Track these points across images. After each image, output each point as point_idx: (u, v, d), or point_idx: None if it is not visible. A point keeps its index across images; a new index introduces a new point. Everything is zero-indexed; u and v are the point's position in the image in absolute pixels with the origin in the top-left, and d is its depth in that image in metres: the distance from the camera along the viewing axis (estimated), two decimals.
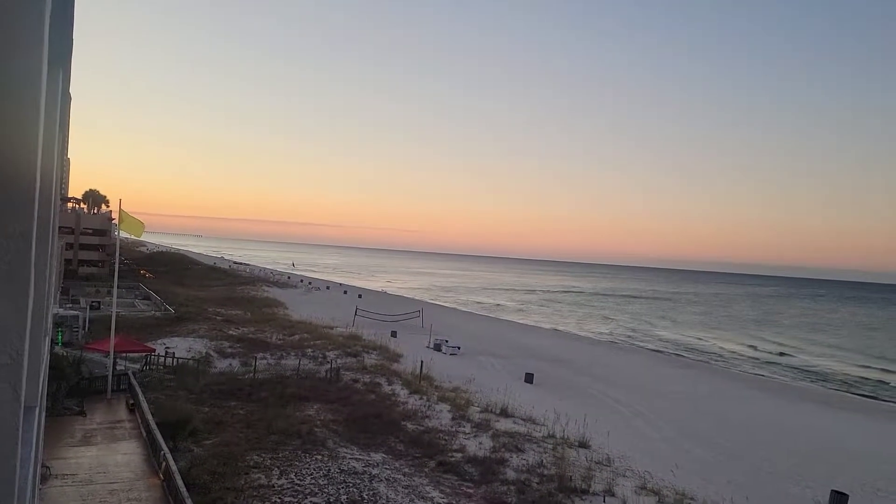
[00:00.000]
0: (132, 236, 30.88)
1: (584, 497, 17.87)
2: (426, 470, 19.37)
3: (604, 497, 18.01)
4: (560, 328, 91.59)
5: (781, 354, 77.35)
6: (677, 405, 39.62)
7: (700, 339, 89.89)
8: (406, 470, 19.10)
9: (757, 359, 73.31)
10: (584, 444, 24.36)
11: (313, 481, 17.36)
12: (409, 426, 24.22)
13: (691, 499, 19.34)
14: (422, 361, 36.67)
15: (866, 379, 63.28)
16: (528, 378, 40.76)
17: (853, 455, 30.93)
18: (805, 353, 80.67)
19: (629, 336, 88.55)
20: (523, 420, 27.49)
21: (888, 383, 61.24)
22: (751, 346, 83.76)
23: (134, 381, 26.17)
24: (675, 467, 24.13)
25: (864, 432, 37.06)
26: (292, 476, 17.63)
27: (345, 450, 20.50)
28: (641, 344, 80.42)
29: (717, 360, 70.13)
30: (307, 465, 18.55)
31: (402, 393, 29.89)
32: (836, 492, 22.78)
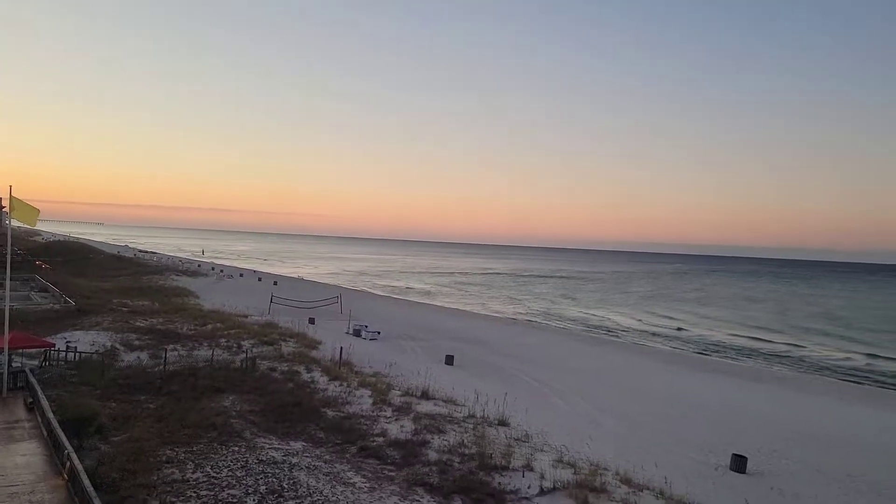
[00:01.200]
0: (25, 225, 28.71)
1: (504, 473, 18.24)
2: (347, 456, 19.25)
3: (523, 472, 18.45)
4: (477, 309, 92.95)
5: (679, 329, 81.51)
6: (590, 380, 41.06)
7: (606, 316, 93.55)
8: (327, 457, 18.90)
9: (658, 333, 76.98)
10: (503, 423, 24.85)
11: (230, 473, 16.90)
12: (330, 413, 23.96)
13: (605, 468, 20.11)
14: (341, 348, 36.32)
15: (755, 349, 67.65)
16: (448, 360, 41.15)
17: (751, 420, 33.06)
18: (698, 326, 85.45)
19: (542, 315, 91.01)
20: (444, 402, 27.75)
21: (761, 350, 65.73)
22: (651, 322, 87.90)
23: (32, 379, 24.60)
24: (589, 440, 25.03)
25: (760, 399, 39.63)
26: (208, 469, 17.10)
27: (263, 440, 20.06)
28: (554, 323, 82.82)
29: (623, 336, 73.15)
30: (224, 458, 18.03)
31: (322, 380, 29.51)
32: (737, 455, 24.29)
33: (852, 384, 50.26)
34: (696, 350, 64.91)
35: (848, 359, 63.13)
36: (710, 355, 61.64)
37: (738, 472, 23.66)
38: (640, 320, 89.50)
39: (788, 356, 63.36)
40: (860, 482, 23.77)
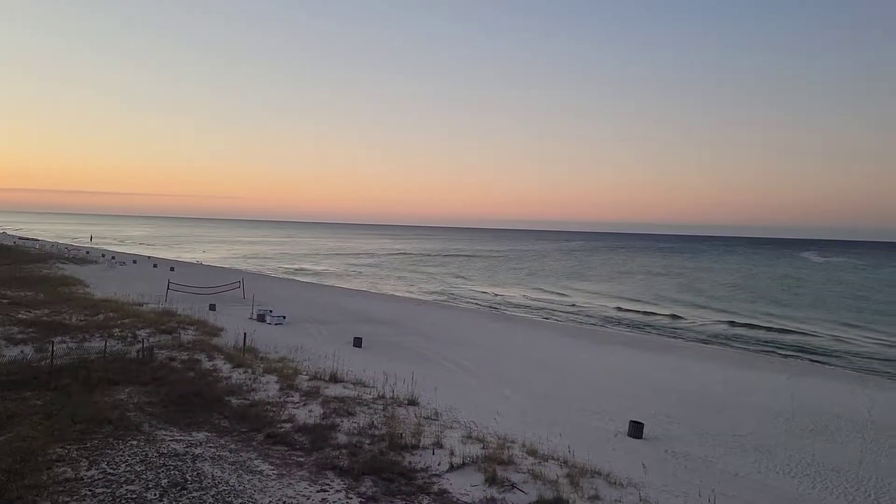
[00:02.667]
0: None
1: (414, 452, 18.37)
2: (254, 444, 18.77)
3: (433, 450, 18.65)
4: (385, 290, 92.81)
5: (588, 303, 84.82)
6: (498, 356, 41.99)
7: (508, 292, 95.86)
8: (232, 446, 18.36)
9: (556, 308, 79.73)
10: (413, 402, 24.98)
11: (129, 468, 16.09)
12: (234, 401, 23.25)
13: (512, 441, 20.66)
14: (245, 333, 35.26)
15: (646, 321, 71.45)
16: (357, 342, 40.89)
17: (647, 388, 34.92)
18: (595, 299, 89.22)
19: (452, 294, 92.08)
20: (353, 384, 27.56)
21: (652, 321, 69.71)
22: (549, 297, 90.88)
23: None
24: (497, 415, 25.62)
25: (655, 367, 41.89)
26: (104, 466, 16.20)
27: (163, 432, 19.21)
28: (464, 301, 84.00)
29: (526, 311, 75.27)
30: (121, 453, 17.14)
31: (225, 368, 28.57)
32: (634, 421, 25.62)
33: (736, 350, 54.00)
34: (594, 323, 67.69)
35: (728, 327, 67.74)
36: (608, 327, 64.44)
37: (635, 437, 24.98)
38: (539, 295, 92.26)
39: (677, 326, 67.24)
40: (744, 440, 25.66)
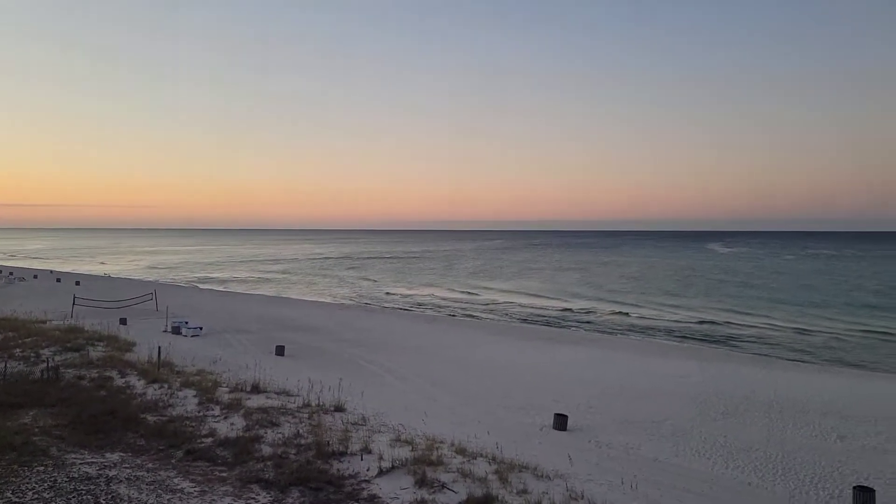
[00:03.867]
0: None
1: (342, 459, 18.12)
2: (173, 461, 18.01)
3: (361, 455, 18.45)
4: (307, 296, 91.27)
5: (506, 301, 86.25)
6: (424, 357, 42.03)
7: (433, 293, 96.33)
8: (150, 465, 17.54)
9: (483, 305, 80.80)
10: (339, 408, 24.65)
11: (36, 496, 15.10)
12: (150, 418, 22.24)
13: (441, 441, 20.71)
14: (159, 347, 33.82)
15: (564, 316, 73.47)
16: (279, 350, 39.98)
17: (570, 381, 35.83)
18: (520, 294, 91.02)
19: (373, 297, 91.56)
20: (277, 394, 26.91)
21: (570, 316, 71.87)
22: (476, 293, 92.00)
23: None
24: (425, 416, 25.64)
25: (577, 360, 43.05)
26: (9, 495, 15.13)
27: (74, 455, 18.15)
28: (386, 303, 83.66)
29: (451, 311, 75.83)
30: (27, 480, 16.06)
31: (139, 384, 27.30)
32: (558, 414, 26.22)
33: (651, 340, 56.24)
34: (513, 320, 68.92)
35: (642, 318, 70.49)
36: (528, 324, 65.74)
37: (560, 429, 25.57)
38: (457, 295, 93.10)
39: (596, 319, 69.41)
40: (663, 427, 26.71)
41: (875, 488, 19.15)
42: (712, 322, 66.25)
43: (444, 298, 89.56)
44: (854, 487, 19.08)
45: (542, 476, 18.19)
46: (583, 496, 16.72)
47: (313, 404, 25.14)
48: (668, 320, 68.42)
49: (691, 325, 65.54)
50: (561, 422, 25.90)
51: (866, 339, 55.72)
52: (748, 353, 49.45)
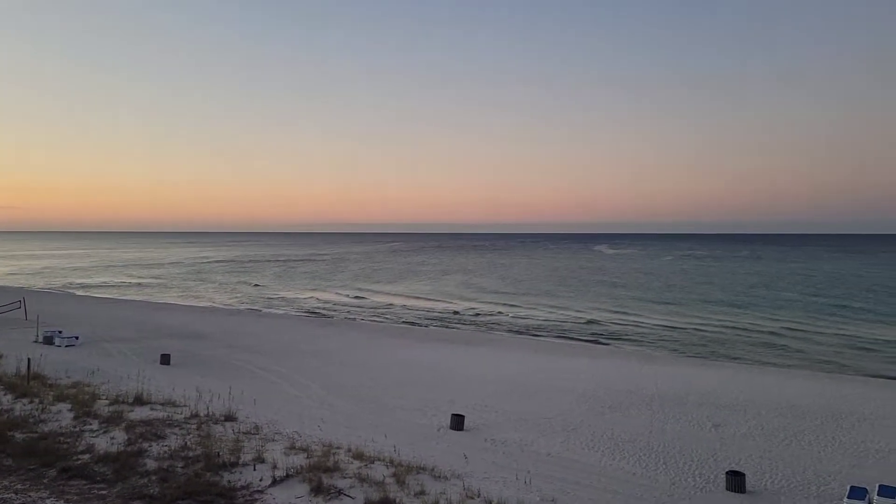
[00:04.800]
0: None
1: (233, 470, 17.45)
2: (45, 481, 16.68)
3: (254, 465, 17.85)
4: (194, 302, 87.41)
5: (401, 305, 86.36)
6: (321, 362, 41.30)
7: (326, 297, 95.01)
8: (19, 486, 16.15)
9: (378, 308, 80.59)
10: (230, 418, 23.75)
11: None
12: (19, 436, 20.47)
13: (338, 447, 20.41)
14: (28, 359, 31.24)
15: (449, 315, 74.66)
16: (165, 359, 38.02)
17: (466, 381, 36.35)
18: (415, 298, 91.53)
19: (264, 301, 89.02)
20: (162, 405, 25.54)
21: (464, 317, 73.30)
22: (367, 298, 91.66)
23: None
24: (321, 422, 25.21)
25: (472, 360, 43.74)
26: None
27: None
28: (278, 308, 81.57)
29: (346, 314, 75.06)
30: None
31: (6, 399, 25.07)
32: (455, 414, 26.55)
33: (541, 339, 58.08)
34: (411, 322, 69.21)
35: (533, 318, 72.76)
36: (425, 325, 66.18)
37: (457, 429, 25.90)
38: (352, 298, 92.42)
39: (488, 320, 70.88)
40: (554, 422, 27.66)
41: (745, 472, 20.77)
42: (596, 321, 69.28)
43: (335, 303, 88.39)
44: (727, 472, 20.60)
45: (439, 477, 18.33)
46: (479, 494, 16.99)
47: (202, 414, 24.07)
48: (556, 319, 70.92)
49: (579, 323, 68.30)
50: (458, 422, 26.24)
51: (732, 334, 60.17)
52: (631, 349, 52.14)
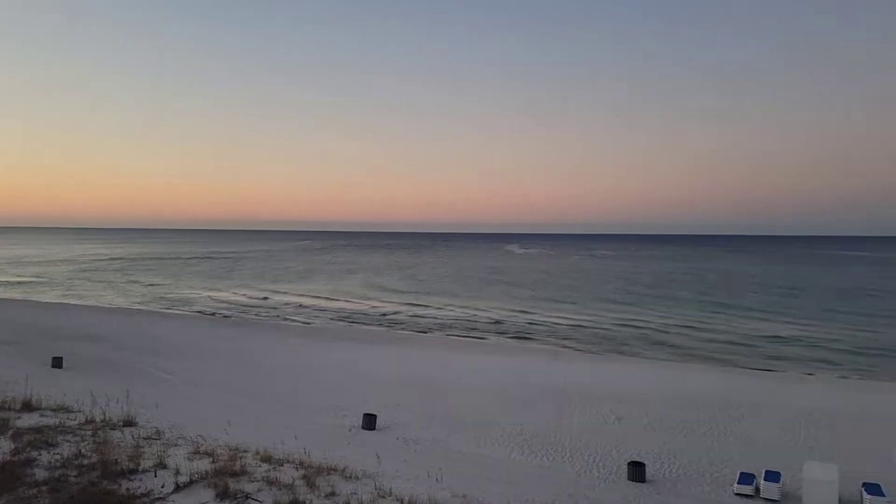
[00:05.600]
0: None
1: (132, 477, 16.63)
2: None
3: (155, 472, 17.08)
4: (89, 301, 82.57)
5: (300, 305, 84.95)
6: (227, 364, 40.01)
7: (233, 297, 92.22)
8: None
9: (289, 307, 78.98)
10: (129, 423, 22.61)
11: None
12: None
13: (245, 451, 19.85)
14: None
15: (360, 314, 74.40)
16: (57, 362, 35.70)
17: (380, 380, 36.19)
18: (327, 296, 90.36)
19: (165, 301, 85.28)
20: (54, 410, 23.98)
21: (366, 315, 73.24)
22: (273, 298, 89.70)
23: None
24: (227, 425, 24.42)
25: (383, 359, 43.63)
26: None
27: None
28: (180, 308, 78.37)
29: (257, 314, 73.10)
30: None
31: None
32: (367, 414, 26.39)
33: (454, 338, 58.64)
34: (314, 321, 68.22)
35: (446, 316, 73.40)
36: (332, 326, 65.44)
37: (369, 429, 25.75)
38: (260, 297, 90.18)
39: (402, 319, 70.93)
40: (466, 419, 28.00)
41: (645, 462, 21.79)
42: (504, 319, 70.65)
43: (238, 303, 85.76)
44: (628, 463, 21.54)
45: (350, 477, 18.17)
46: (391, 493, 16.97)
47: (98, 420, 22.77)
48: (464, 318, 71.81)
49: (493, 320, 69.49)
50: (370, 421, 26.10)
51: (633, 331, 62.94)
52: (539, 347, 53.52)
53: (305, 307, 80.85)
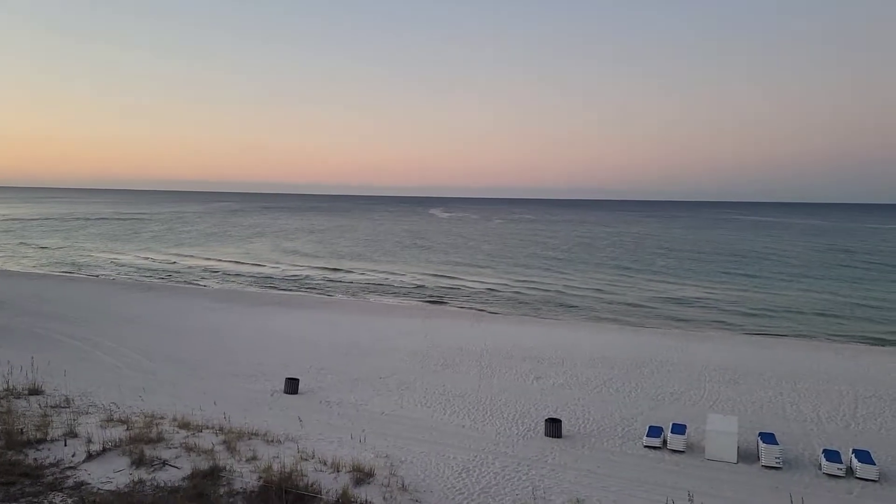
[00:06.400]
0: None
1: (40, 447, 15.97)
2: None
3: (65, 441, 16.46)
4: None
5: (230, 268, 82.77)
6: (141, 329, 38.60)
7: (147, 258, 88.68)
8: None
9: (205, 271, 76.67)
10: (35, 391, 21.62)
11: None
12: None
13: (161, 417, 19.39)
14: None
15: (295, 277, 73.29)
16: None
17: (302, 344, 35.80)
18: (246, 259, 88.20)
19: (66, 265, 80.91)
20: None
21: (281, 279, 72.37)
22: (193, 261, 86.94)
23: None
24: (143, 392, 23.72)
25: (308, 323, 43.16)
26: None
27: None
28: (91, 271, 74.65)
29: (169, 278, 70.55)
30: None
31: None
32: (290, 378, 26.15)
33: (378, 301, 58.60)
34: (242, 285, 66.64)
35: (371, 280, 73.16)
36: (258, 288, 64.08)
37: (291, 393, 25.55)
38: (172, 260, 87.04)
39: (323, 282, 70.20)
40: (389, 381, 28.22)
41: (561, 419, 22.68)
42: (425, 284, 71.00)
43: (144, 267, 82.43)
44: (546, 420, 22.36)
45: (272, 441, 18.08)
46: (314, 456, 17.01)
47: (0, 389, 21.63)
48: (393, 281, 71.82)
49: (413, 284, 69.76)
50: (292, 385, 25.88)
51: (551, 293, 64.71)
52: (461, 309, 54.27)
53: (216, 271, 78.13)
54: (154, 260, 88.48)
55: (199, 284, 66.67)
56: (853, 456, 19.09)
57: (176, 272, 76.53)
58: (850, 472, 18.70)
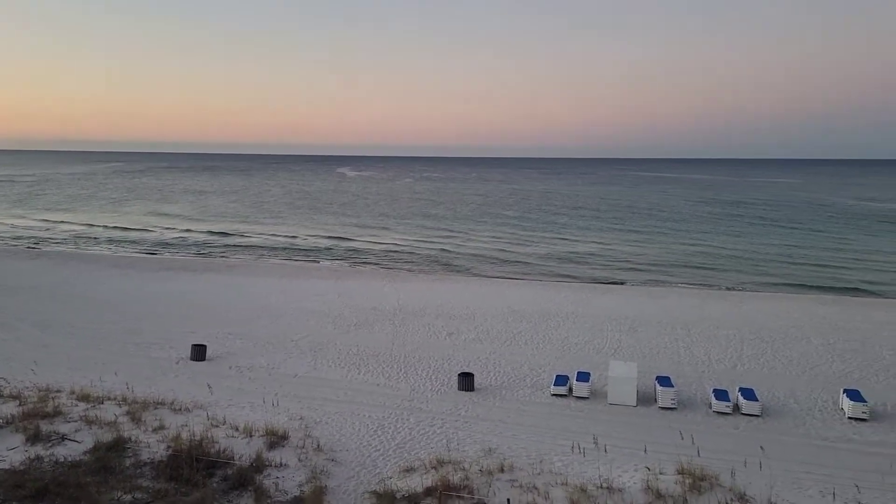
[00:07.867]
0: None
1: None
2: None
3: None
4: None
5: (127, 231, 78.61)
6: (32, 298, 36.25)
7: (27, 222, 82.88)
8: None
9: (96, 236, 72.58)
10: None
11: None
12: None
13: (58, 391, 18.48)
14: None
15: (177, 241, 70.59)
16: None
17: (210, 309, 34.67)
18: (146, 220, 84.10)
19: None
20: None
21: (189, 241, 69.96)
22: (93, 225, 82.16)
23: None
24: (35, 365, 22.47)
25: (216, 288, 41.80)
26: None
27: None
28: None
29: (60, 243, 66.34)
30: None
31: None
32: (196, 345, 25.37)
33: (289, 263, 57.39)
34: (140, 251, 63.61)
35: (276, 241, 71.46)
36: (161, 253, 61.36)
37: (198, 360, 24.82)
38: (52, 225, 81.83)
39: (230, 245, 68.02)
40: (302, 343, 27.90)
41: (474, 372, 23.24)
42: (334, 245, 69.75)
43: (19, 234, 77.10)
44: (459, 374, 22.85)
45: (179, 409, 17.59)
46: (225, 422, 16.69)
47: None
48: (300, 241, 70.40)
49: (321, 243, 68.77)
50: (198, 352, 25.12)
51: (462, 250, 65.55)
52: (373, 269, 54.07)
53: (96, 238, 72.99)
54: (23, 225, 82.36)
55: (88, 250, 62.91)
56: (739, 394, 20.71)
57: (57, 239, 71.38)
58: (736, 408, 20.29)
